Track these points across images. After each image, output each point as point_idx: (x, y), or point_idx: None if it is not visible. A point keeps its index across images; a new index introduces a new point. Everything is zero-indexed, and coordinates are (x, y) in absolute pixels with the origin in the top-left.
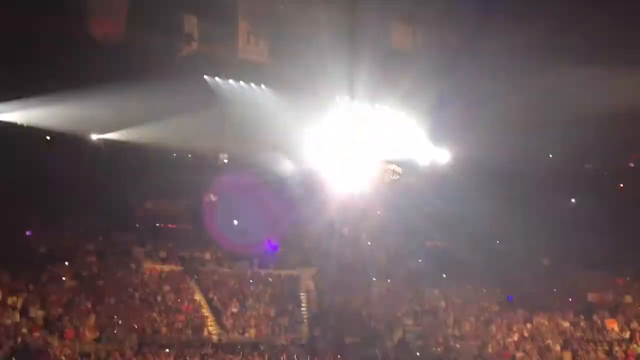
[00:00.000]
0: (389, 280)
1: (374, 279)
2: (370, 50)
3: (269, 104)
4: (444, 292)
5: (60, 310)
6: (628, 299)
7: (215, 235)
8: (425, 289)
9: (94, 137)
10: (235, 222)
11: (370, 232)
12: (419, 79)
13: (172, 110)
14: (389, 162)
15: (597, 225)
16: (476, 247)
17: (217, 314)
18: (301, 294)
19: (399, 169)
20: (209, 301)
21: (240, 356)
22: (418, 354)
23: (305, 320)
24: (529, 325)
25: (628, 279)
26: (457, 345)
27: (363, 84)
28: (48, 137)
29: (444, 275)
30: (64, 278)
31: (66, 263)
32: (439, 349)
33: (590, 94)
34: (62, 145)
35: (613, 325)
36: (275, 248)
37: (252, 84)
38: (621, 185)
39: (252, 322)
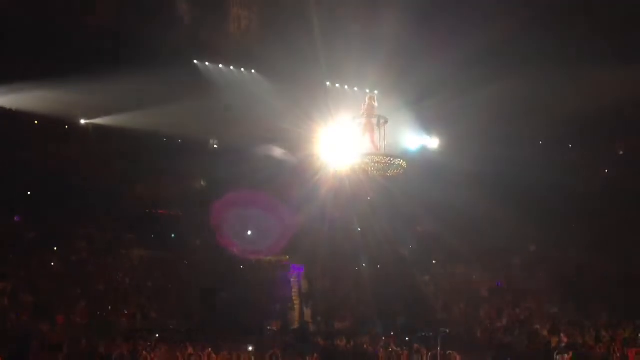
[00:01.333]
0: (378, 266)
1: (364, 264)
2: (360, 36)
3: (260, 89)
4: (433, 277)
5: (49, 295)
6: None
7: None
8: (415, 274)
9: (83, 121)
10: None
11: (360, 218)
12: (407, 64)
13: (162, 95)
14: (393, 157)
15: (583, 210)
16: (466, 233)
17: None
18: (291, 279)
19: (404, 163)
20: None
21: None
22: (407, 338)
23: (295, 306)
24: (517, 310)
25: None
26: (447, 330)
27: (354, 70)
28: (36, 122)
29: (434, 262)
30: (53, 263)
31: (55, 248)
32: (429, 334)
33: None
34: (50, 129)
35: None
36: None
37: (243, 69)
38: (606, 171)
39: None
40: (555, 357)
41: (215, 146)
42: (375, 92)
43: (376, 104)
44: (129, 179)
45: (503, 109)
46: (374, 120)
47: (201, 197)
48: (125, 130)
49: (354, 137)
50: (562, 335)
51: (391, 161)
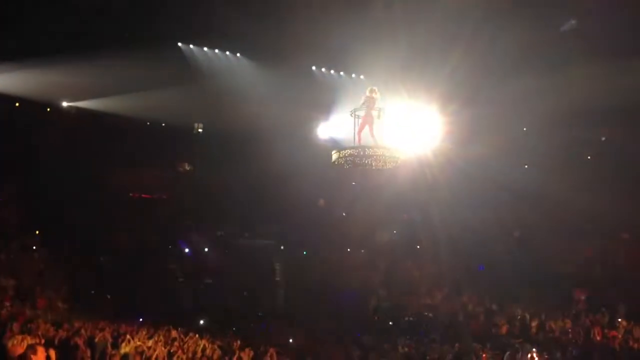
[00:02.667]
0: (362, 251)
1: (348, 249)
2: (349, 19)
3: (245, 73)
4: (417, 263)
5: (31, 279)
6: (597, 269)
7: None
8: (399, 260)
9: (65, 104)
10: None
11: (345, 203)
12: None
13: (146, 78)
14: (388, 148)
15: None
16: (450, 219)
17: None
18: (276, 264)
19: (400, 154)
20: None
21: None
22: (391, 323)
23: (281, 291)
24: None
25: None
26: (430, 315)
27: (341, 54)
28: (17, 104)
29: (418, 247)
30: (34, 247)
31: (37, 232)
32: (412, 319)
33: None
34: (32, 111)
35: (580, 295)
36: None
37: (228, 53)
38: (589, 157)
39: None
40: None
41: (200, 130)
42: (374, 88)
43: (377, 96)
44: (112, 162)
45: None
46: (375, 113)
47: (186, 182)
48: (108, 114)
49: (351, 129)
50: (543, 319)
51: (388, 154)
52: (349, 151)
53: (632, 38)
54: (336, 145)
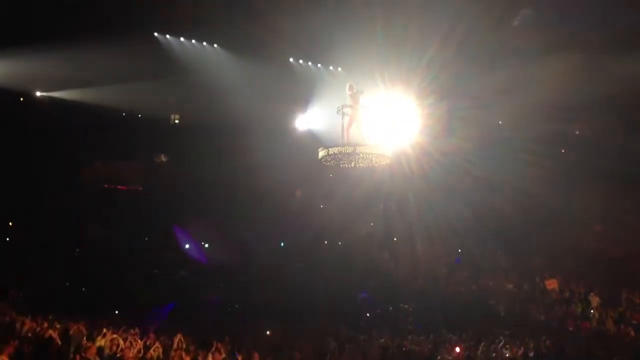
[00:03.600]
0: (340, 243)
1: (325, 241)
2: (326, 11)
3: (222, 64)
4: (393, 255)
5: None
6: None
7: None
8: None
9: (38, 94)
10: None
11: (322, 195)
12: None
13: (122, 68)
14: (377, 147)
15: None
16: (427, 211)
17: None
18: (253, 256)
19: (388, 152)
20: None
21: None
22: (368, 314)
23: (257, 283)
24: (474, 287)
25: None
26: (406, 306)
27: (318, 46)
28: None
29: (394, 239)
30: (8, 239)
31: (10, 224)
32: (389, 310)
33: None
34: (5, 101)
35: (553, 286)
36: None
37: (205, 43)
38: (563, 150)
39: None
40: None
41: (177, 122)
42: (351, 84)
43: (358, 91)
44: (86, 153)
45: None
46: (360, 110)
47: (162, 173)
48: (82, 104)
49: (331, 122)
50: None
51: (377, 152)
52: (337, 149)
53: (608, 33)
54: (314, 137)
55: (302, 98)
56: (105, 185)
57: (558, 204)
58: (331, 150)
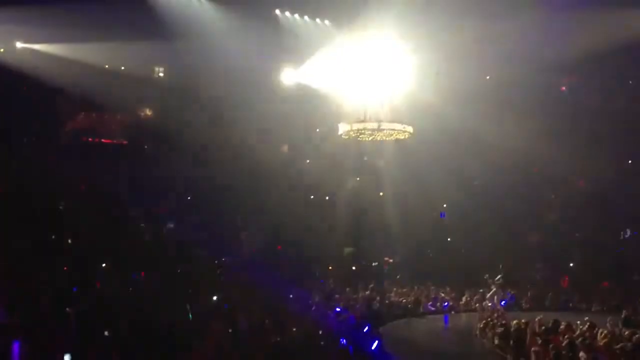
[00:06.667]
0: (327, 198)
1: (312, 197)
2: None
3: (206, 15)
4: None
5: None
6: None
7: None
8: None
9: (19, 45)
10: None
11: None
12: None
13: (105, 21)
14: (400, 124)
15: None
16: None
17: None
18: (239, 208)
19: (409, 128)
20: None
21: None
22: (354, 268)
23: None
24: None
25: None
26: (391, 260)
27: None
28: None
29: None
30: None
31: None
32: (375, 264)
33: None
34: None
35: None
36: None
37: None
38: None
39: None
40: None
41: (161, 75)
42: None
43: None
44: (69, 106)
45: None
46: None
47: (146, 127)
48: (64, 58)
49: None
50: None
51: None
52: (362, 125)
53: None
54: (302, 91)
55: (288, 52)
56: (89, 139)
57: (542, 159)
58: (355, 126)
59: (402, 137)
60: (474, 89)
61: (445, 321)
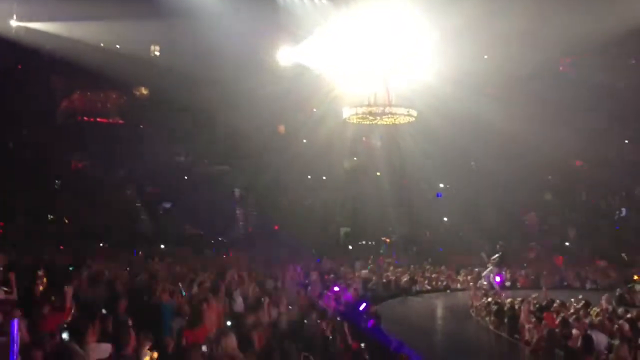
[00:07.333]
0: (324, 177)
1: (309, 176)
2: None
3: None
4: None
5: None
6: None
7: None
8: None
9: (14, 23)
10: None
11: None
12: None
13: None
14: (404, 108)
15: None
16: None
17: None
18: (236, 190)
19: (413, 112)
20: None
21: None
22: (350, 247)
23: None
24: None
25: None
26: (387, 239)
27: None
28: None
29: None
30: None
31: None
32: (371, 243)
33: None
34: None
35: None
36: None
37: None
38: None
39: None
40: None
41: (157, 53)
42: None
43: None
44: (65, 85)
45: None
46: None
47: (142, 106)
48: (60, 37)
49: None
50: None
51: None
52: (367, 109)
53: None
54: (299, 71)
55: (286, 31)
56: (85, 118)
57: (539, 141)
58: (359, 110)
59: (405, 122)
60: (473, 70)
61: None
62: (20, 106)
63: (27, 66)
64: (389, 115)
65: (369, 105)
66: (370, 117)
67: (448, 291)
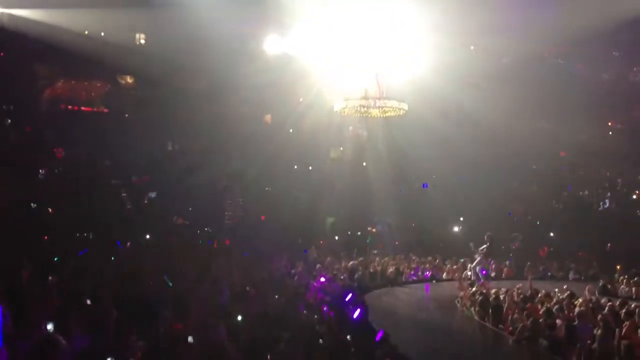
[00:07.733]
0: (310, 168)
1: (295, 166)
2: None
3: None
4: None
5: None
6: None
7: None
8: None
9: None
10: None
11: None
12: None
13: None
14: (396, 101)
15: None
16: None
17: None
18: (222, 178)
19: (404, 105)
20: None
21: None
22: (337, 238)
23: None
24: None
25: None
26: (374, 230)
27: None
28: None
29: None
30: None
31: None
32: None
33: None
34: None
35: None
36: None
37: None
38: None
39: None
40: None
41: (142, 42)
42: None
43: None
44: (49, 73)
45: None
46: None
47: (127, 95)
48: (43, 23)
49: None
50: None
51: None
52: (358, 102)
53: None
54: (286, 60)
55: (272, 20)
56: (69, 106)
57: (526, 132)
58: (350, 103)
59: (396, 114)
60: (458, 60)
61: (427, 290)
62: (3, 94)
63: (10, 54)
64: (380, 108)
65: (361, 98)
66: (362, 110)
67: (434, 281)
